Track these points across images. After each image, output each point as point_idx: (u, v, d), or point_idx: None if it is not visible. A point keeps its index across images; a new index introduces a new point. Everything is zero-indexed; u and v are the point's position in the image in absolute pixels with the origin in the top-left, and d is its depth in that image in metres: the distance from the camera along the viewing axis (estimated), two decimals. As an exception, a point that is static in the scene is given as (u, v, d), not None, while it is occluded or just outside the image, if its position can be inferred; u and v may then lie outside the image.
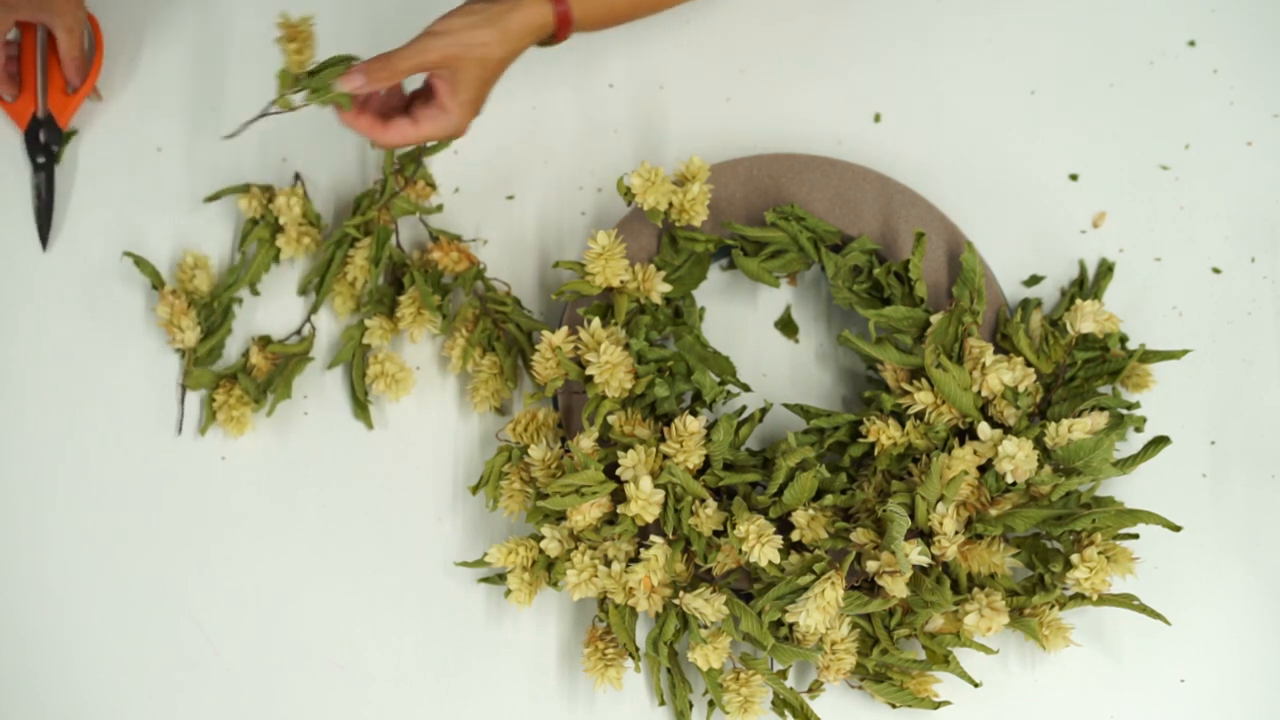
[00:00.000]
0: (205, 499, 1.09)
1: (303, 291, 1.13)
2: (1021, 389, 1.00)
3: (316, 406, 1.11)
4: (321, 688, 1.05)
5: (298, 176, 1.15)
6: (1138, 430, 1.06)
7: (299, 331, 1.12)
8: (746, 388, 1.07)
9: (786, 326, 1.12)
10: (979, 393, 1.01)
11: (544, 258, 1.14)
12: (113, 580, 1.07)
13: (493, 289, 1.11)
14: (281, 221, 1.12)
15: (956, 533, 0.96)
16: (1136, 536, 0.98)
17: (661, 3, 1.09)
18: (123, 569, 1.07)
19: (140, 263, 1.11)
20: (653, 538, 0.98)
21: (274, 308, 1.13)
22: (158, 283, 1.11)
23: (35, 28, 1.17)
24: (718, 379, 1.04)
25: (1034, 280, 1.11)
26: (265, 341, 1.11)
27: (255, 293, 1.13)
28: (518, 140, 1.16)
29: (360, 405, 1.10)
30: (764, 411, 1.03)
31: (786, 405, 1.05)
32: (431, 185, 1.14)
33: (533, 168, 1.16)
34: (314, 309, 1.12)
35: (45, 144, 1.16)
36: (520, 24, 1.01)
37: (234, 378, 1.10)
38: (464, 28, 1.00)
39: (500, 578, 1.02)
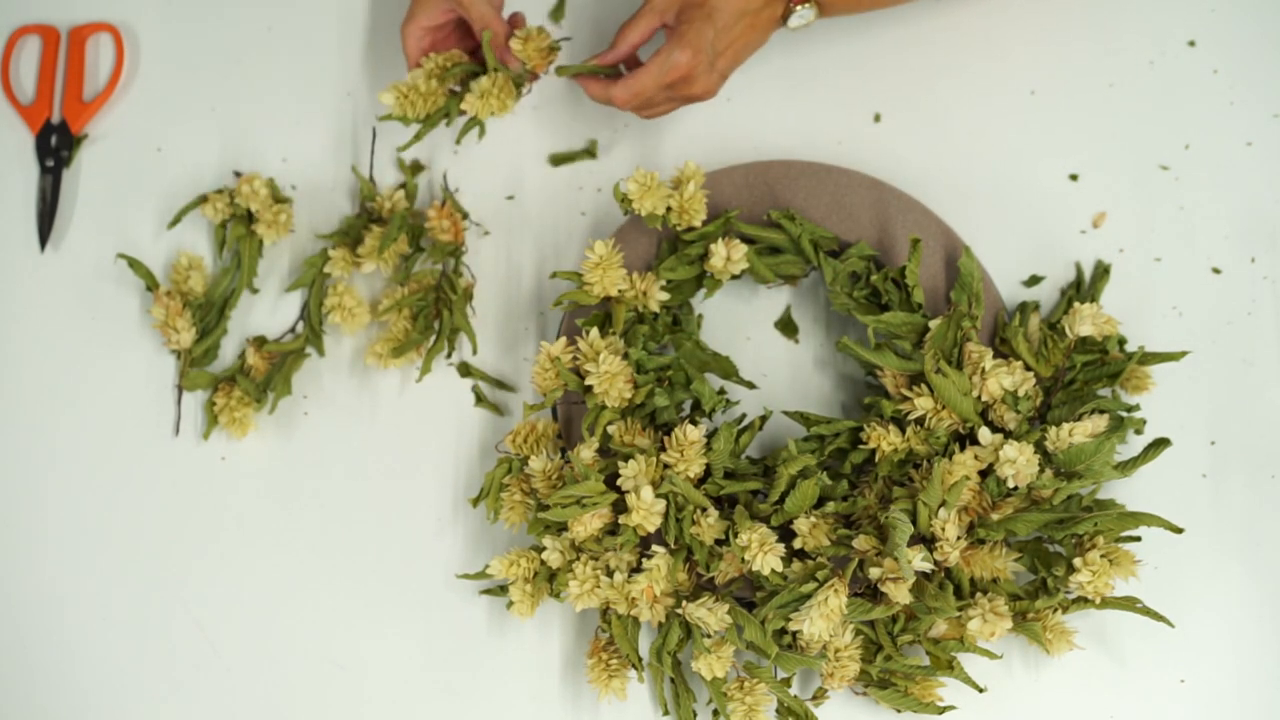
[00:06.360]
0: (205, 500, 1.09)
1: (291, 289, 1.13)
2: (1021, 393, 1.00)
3: (316, 407, 1.11)
4: (322, 689, 1.05)
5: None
6: (1138, 433, 1.05)
7: (293, 329, 1.12)
8: (751, 385, 1.07)
9: (786, 326, 1.11)
10: (979, 397, 1.00)
11: (542, 258, 1.13)
12: (112, 581, 1.07)
13: (459, 275, 1.10)
14: (253, 210, 1.11)
15: (959, 538, 0.96)
16: (1138, 539, 0.98)
17: None
18: (122, 569, 1.08)
19: (134, 264, 1.11)
20: (654, 547, 0.98)
21: (263, 306, 1.14)
22: (152, 284, 1.11)
23: (58, 36, 1.17)
24: (718, 386, 1.04)
25: (1034, 280, 1.11)
26: (260, 342, 1.11)
27: (254, 290, 1.13)
28: (518, 141, 1.16)
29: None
30: (764, 419, 1.03)
31: (786, 413, 1.05)
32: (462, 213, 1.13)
33: (533, 168, 1.16)
34: (306, 305, 1.12)
35: (55, 149, 1.16)
36: None
37: (232, 380, 1.10)
38: None
39: (502, 589, 1.02)
